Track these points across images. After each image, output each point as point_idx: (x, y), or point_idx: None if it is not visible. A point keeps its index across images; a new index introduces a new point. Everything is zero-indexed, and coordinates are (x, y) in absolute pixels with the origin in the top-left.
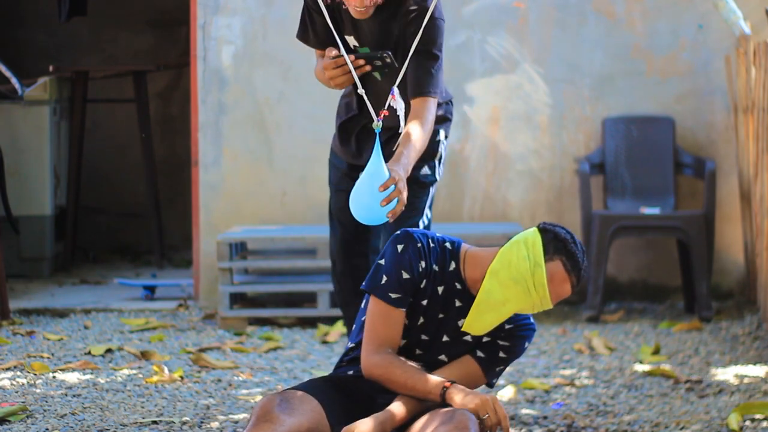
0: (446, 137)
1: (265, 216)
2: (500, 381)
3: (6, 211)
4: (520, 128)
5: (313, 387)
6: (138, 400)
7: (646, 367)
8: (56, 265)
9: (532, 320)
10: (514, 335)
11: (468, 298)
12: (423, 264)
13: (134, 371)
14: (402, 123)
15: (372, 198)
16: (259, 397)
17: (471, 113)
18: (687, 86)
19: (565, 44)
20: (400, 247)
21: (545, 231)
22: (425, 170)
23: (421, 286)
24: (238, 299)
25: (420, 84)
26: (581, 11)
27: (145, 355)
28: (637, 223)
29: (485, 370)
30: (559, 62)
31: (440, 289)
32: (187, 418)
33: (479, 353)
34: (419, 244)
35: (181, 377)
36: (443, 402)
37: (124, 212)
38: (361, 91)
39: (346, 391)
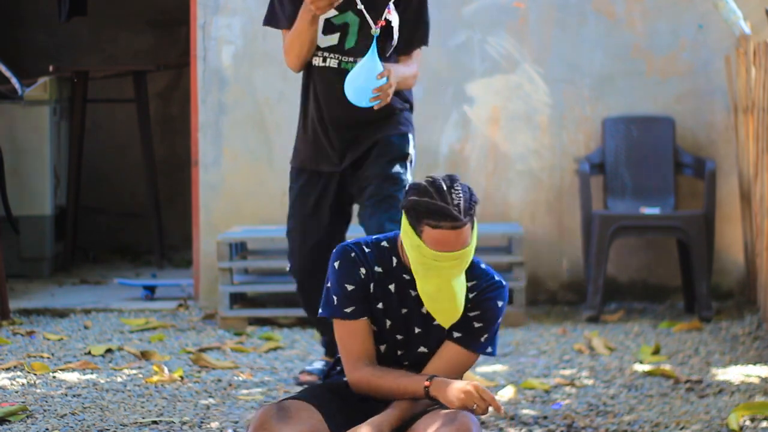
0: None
1: (265, 216)
2: (500, 381)
3: (6, 211)
4: (520, 128)
5: (310, 394)
6: (138, 400)
7: (646, 367)
8: (56, 265)
9: (497, 279)
10: (481, 301)
11: None
12: (363, 270)
13: (134, 371)
14: (395, 37)
15: (366, 82)
16: (259, 397)
17: (471, 113)
18: (687, 86)
19: (565, 44)
20: (337, 264)
21: (404, 209)
22: (410, 148)
23: (371, 291)
24: (238, 299)
25: (411, 39)
26: (581, 11)
27: (145, 355)
28: (637, 223)
29: (467, 346)
30: (559, 62)
31: (392, 287)
32: (187, 418)
33: (455, 334)
34: (353, 254)
35: (181, 377)
36: (431, 398)
37: (124, 212)
38: (360, 6)
39: (344, 396)
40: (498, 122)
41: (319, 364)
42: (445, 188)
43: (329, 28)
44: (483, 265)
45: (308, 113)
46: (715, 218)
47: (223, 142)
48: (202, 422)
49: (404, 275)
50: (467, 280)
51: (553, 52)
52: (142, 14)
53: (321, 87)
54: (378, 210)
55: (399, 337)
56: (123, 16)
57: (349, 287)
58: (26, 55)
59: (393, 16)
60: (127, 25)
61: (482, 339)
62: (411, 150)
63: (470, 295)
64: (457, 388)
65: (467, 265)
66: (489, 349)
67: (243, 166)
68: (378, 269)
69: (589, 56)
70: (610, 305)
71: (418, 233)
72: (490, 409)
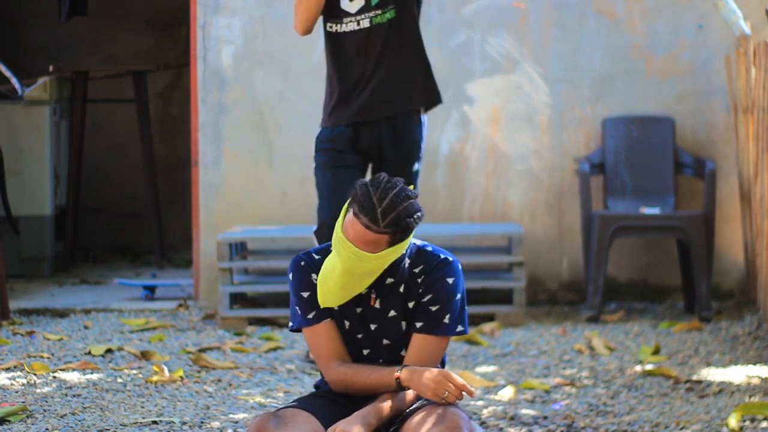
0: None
1: (265, 216)
2: (500, 381)
3: (6, 211)
4: (520, 128)
5: (304, 403)
6: (138, 400)
7: (646, 367)
8: (56, 265)
9: (443, 256)
10: (430, 283)
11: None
12: (314, 276)
13: (134, 371)
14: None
15: None
16: (259, 397)
17: (471, 113)
18: (687, 86)
19: (565, 44)
20: (290, 275)
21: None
22: (416, 165)
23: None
24: (238, 299)
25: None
26: (581, 11)
27: (145, 355)
28: (637, 223)
29: (432, 332)
30: (559, 62)
31: None
32: (187, 418)
33: (418, 324)
34: (302, 263)
35: (181, 377)
36: (404, 389)
37: (124, 212)
38: None
39: (338, 401)
40: (498, 122)
41: None
42: (387, 194)
43: None
44: (429, 248)
45: (346, 76)
46: (715, 218)
47: (223, 142)
48: (202, 422)
49: None
50: (414, 267)
51: (553, 52)
52: (142, 14)
53: (352, 46)
54: None
55: (359, 336)
56: (123, 16)
57: (305, 294)
58: (26, 55)
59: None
60: (127, 25)
61: (445, 320)
62: (425, 135)
63: (418, 280)
64: (427, 378)
65: (370, 274)
66: (459, 328)
67: (243, 166)
68: (314, 276)
69: (589, 56)
70: (610, 305)
71: (346, 212)
72: (473, 399)
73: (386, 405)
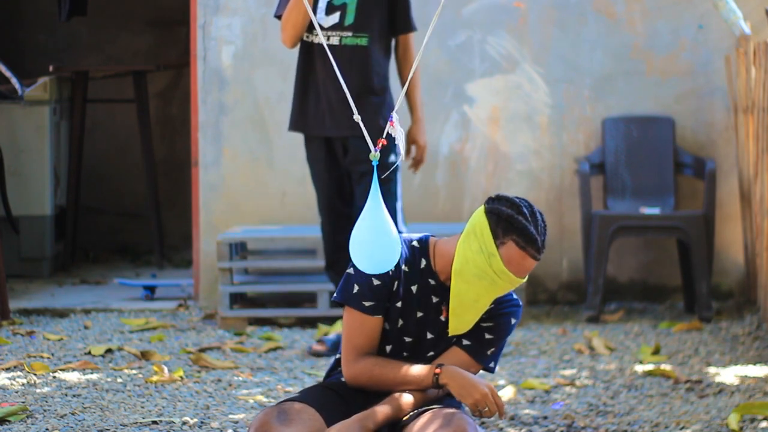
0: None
1: (265, 216)
2: (500, 381)
3: (6, 211)
4: (520, 128)
5: (309, 396)
6: (138, 400)
7: (646, 367)
8: (56, 265)
9: (515, 297)
10: (496, 315)
11: (443, 291)
12: (404, 267)
13: (134, 371)
14: (402, 151)
15: (378, 249)
16: (259, 397)
17: (471, 113)
18: (687, 86)
19: (565, 44)
20: None
21: (490, 213)
22: (392, 157)
23: (393, 289)
24: (238, 299)
25: (407, 20)
26: (581, 11)
27: (145, 355)
28: (637, 223)
29: (474, 355)
30: (559, 62)
31: (414, 288)
32: (187, 418)
33: (465, 341)
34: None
35: (181, 377)
36: (438, 386)
37: (124, 212)
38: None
39: (344, 396)
40: (498, 122)
41: (333, 336)
42: (538, 219)
43: (330, 8)
44: None
45: (308, 87)
46: (715, 218)
47: (223, 142)
48: (202, 422)
49: (429, 279)
50: None
51: (553, 52)
52: (142, 14)
53: (322, 63)
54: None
55: (407, 339)
56: (123, 16)
57: (375, 282)
58: (26, 55)
59: (398, 131)
60: (127, 25)
61: (488, 352)
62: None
63: (488, 307)
64: (473, 385)
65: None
66: (491, 364)
67: (243, 166)
68: (405, 268)
69: (589, 56)
70: (610, 305)
71: (498, 243)
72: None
73: (386, 410)
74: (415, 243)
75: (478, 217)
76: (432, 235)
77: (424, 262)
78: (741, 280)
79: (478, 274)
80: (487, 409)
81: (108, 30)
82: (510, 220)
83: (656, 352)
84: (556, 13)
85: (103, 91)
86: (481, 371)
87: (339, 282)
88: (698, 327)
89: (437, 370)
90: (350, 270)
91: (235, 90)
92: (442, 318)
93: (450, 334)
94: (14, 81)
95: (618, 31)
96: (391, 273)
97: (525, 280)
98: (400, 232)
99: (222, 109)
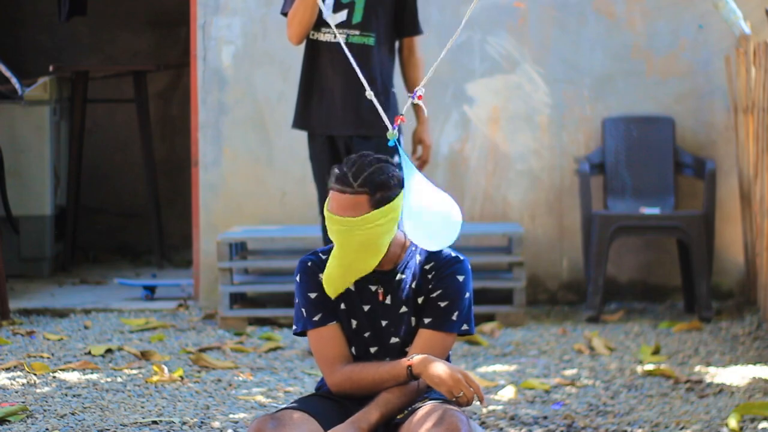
0: None
1: (265, 216)
2: (500, 381)
3: (6, 211)
4: (520, 128)
5: (305, 403)
6: (138, 400)
7: (646, 367)
8: (56, 265)
9: (453, 255)
10: (440, 279)
11: (378, 276)
12: (321, 276)
13: (134, 371)
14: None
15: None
16: (259, 397)
17: (471, 113)
18: (687, 86)
19: (565, 44)
20: (298, 278)
21: None
22: (396, 158)
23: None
24: (238, 299)
25: (414, 23)
26: (581, 11)
27: (145, 355)
28: (637, 223)
29: (440, 328)
30: (559, 62)
31: (351, 286)
32: (187, 418)
33: (425, 319)
34: (309, 263)
35: (181, 377)
36: (415, 378)
37: (124, 212)
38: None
39: (339, 401)
40: (498, 122)
41: None
42: (355, 160)
43: (338, 6)
44: (443, 250)
45: (313, 85)
46: (715, 218)
47: (223, 142)
48: (202, 422)
49: None
50: (426, 264)
51: (553, 52)
52: (142, 14)
53: (328, 59)
54: None
55: (367, 334)
56: (123, 16)
57: (312, 295)
58: (26, 55)
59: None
60: (127, 25)
61: (453, 317)
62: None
63: (429, 276)
64: (444, 371)
65: (366, 247)
66: (464, 326)
67: (243, 166)
68: None
69: (589, 56)
70: (610, 305)
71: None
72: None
73: (378, 411)
74: (322, 255)
75: None
76: None
77: None
78: (741, 280)
79: (327, 227)
80: (462, 394)
81: (108, 30)
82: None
83: (656, 352)
84: (556, 13)
85: (103, 91)
86: (477, 371)
87: None
88: (698, 327)
89: (410, 362)
90: (296, 300)
91: (235, 90)
92: (386, 302)
93: (331, 295)
94: (14, 81)
95: (618, 31)
96: (322, 281)
97: (356, 222)
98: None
99: (222, 109)
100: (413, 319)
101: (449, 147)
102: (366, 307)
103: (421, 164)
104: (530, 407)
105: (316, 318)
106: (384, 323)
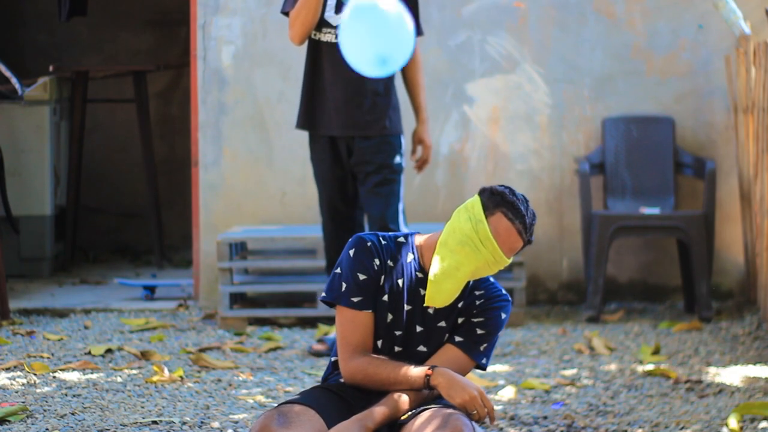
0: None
1: (265, 216)
2: (500, 381)
3: (6, 211)
4: (520, 128)
5: (309, 397)
6: (138, 400)
7: (646, 367)
8: (56, 265)
9: (504, 292)
10: (486, 309)
11: None
12: (377, 261)
13: (134, 371)
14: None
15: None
16: (259, 397)
17: (471, 113)
18: (687, 86)
19: (565, 44)
20: (352, 252)
21: (482, 191)
22: (398, 158)
23: (380, 283)
24: (238, 299)
25: (416, 24)
26: (581, 11)
27: (145, 355)
28: (637, 223)
29: (466, 351)
30: (559, 62)
31: (400, 282)
32: (187, 418)
33: (457, 338)
34: (369, 243)
35: (181, 377)
36: (429, 387)
37: (124, 212)
38: None
39: (343, 396)
40: (498, 122)
41: (334, 335)
42: (528, 205)
43: (340, 6)
44: (492, 279)
45: (315, 86)
46: (715, 218)
47: (223, 142)
48: (202, 422)
49: (417, 273)
50: (476, 289)
51: (553, 52)
52: (142, 14)
53: (329, 60)
54: (379, 195)
55: (398, 333)
56: (123, 16)
57: (361, 276)
58: (26, 55)
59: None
60: (127, 25)
61: (481, 348)
62: (403, 143)
63: (477, 302)
64: (462, 387)
65: (486, 276)
66: (483, 360)
67: (243, 166)
68: (390, 263)
69: (589, 56)
70: (610, 305)
71: (487, 214)
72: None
73: (384, 410)
74: (401, 239)
75: (472, 199)
76: (418, 233)
77: (410, 257)
78: (741, 280)
79: (462, 240)
80: (475, 411)
81: (108, 30)
82: (502, 195)
83: (656, 352)
84: (556, 13)
85: (103, 91)
86: (476, 370)
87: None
88: (698, 327)
89: (429, 372)
90: (337, 270)
91: (235, 90)
92: (430, 311)
93: (425, 304)
94: (14, 81)
95: (618, 31)
96: (376, 267)
97: (509, 261)
98: (402, 233)
99: (222, 109)
100: (446, 335)
101: (449, 147)
102: (408, 307)
103: (421, 164)
104: (530, 407)
105: (355, 299)
106: (419, 329)
